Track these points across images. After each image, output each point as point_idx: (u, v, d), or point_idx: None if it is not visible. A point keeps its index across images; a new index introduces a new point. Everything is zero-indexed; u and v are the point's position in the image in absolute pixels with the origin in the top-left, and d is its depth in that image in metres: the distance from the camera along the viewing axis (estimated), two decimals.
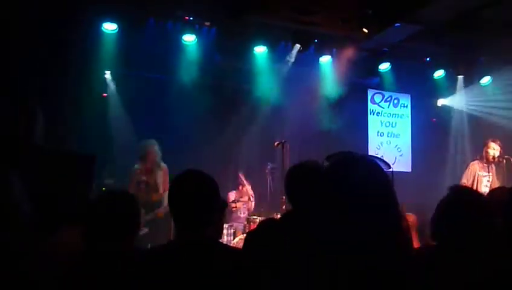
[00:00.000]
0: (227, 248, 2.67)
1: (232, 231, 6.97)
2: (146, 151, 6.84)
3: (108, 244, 2.50)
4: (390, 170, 1.53)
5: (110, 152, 7.30)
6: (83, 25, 6.96)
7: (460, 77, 9.16)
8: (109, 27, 7.24)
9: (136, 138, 7.47)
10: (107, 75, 7.92)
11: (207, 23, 7.53)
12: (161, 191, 6.85)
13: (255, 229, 2.97)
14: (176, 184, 2.48)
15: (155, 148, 6.87)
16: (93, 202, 2.66)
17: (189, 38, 7.58)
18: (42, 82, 6.65)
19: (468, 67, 8.86)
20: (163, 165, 6.95)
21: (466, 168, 7.39)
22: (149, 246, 3.83)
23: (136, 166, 6.89)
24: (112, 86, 7.97)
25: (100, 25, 7.21)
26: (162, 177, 6.89)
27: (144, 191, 6.78)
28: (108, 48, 7.36)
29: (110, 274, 2.34)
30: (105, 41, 7.31)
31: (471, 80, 9.07)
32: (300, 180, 2.87)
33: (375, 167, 1.44)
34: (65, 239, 2.42)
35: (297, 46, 8.00)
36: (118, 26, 7.23)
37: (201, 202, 2.42)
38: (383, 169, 1.45)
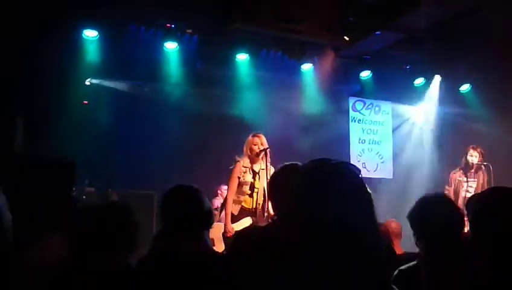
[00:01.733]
0: (220, 257, 2.69)
1: None
2: None
3: (98, 254, 2.46)
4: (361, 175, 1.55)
5: (91, 160, 7.22)
6: (63, 31, 6.89)
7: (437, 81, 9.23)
8: (90, 34, 7.18)
9: (117, 145, 7.42)
10: (88, 82, 7.84)
11: (189, 31, 7.51)
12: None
13: (241, 238, 2.94)
14: (168, 198, 2.50)
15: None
16: (84, 210, 2.63)
17: (171, 46, 7.55)
18: (22, 90, 6.58)
19: (448, 74, 8.97)
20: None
21: (449, 177, 7.51)
22: None
23: None
24: (92, 93, 7.88)
25: (81, 32, 7.15)
26: None
27: None
28: (89, 55, 7.30)
29: (96, 284, 2.31)
30: (86, 48, 7.25)
31: (451, 87, 9.18)
32: (282, 184, 2.78)
33: (348, 171, 1.44)
34: (46, 247, 2.38)
35: None
36: (99, 33, 7.18)
37: (194, 215, 2.45)
38: (356, 173, 1.46)
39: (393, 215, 5.41)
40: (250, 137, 5.94)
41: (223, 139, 8.30)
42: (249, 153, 5.86)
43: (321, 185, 1.38)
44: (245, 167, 5.83)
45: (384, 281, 1.37)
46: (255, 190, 5.79)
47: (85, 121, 7.38)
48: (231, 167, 5.93)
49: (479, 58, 8.10)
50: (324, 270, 1.31)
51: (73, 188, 5.00)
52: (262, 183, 5.76)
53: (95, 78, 7.81)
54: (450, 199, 2.89)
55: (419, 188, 8.63)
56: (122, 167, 7.70)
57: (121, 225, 2.57)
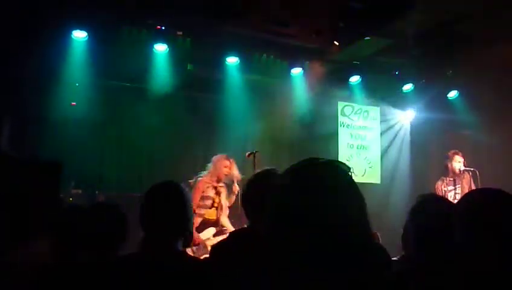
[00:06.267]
0: (195, 260, 2.65)
1: None
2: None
3: (83, 255, 2.44)
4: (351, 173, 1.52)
5: (79, 162, 7.15)
6: (51, 32, 6.84)
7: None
8: (79, 35, 7.13)
9: (105, 147, 7.37)
10: (76, 83, 7.77)
11: (179, 33, 7.48)
12: None
13: (223, 242, 2.91)
14: (150, 195, 2.45)
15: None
16: (69, 212, 2.59)
17: (160, 48, 7.52)
18: (10, 90, 6.52)
19: (436, 81, 9.01)
20: None
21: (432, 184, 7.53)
22: None
23: None
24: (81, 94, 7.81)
25: (70, 33, 7.10)
26: None
27: None
28: (78, 56, 7.24)
29: (80, 285, 2.28)
30: (74, 49, 7.20)
31: (439, 94, 9.23)
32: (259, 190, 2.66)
33: (336, 169, 1.41)
34: (33, 249, 2.35)
35: None
36: (88, 34, 7.13)
37: (174, 213, 2.40)
38: (345, 171, 1.43)
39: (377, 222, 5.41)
40: (221, 158, 6.43)
41: (213, 142, 8.28)
42: (216, 172, 6.34)
43: (311, 184, 1.36)
44: (208, 183, 6.34)
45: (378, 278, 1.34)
46: (215, 204, 6.34)
47: (73, 122, 7.32)
48: (191, 181, 6.33)
49: (467, 65, 8.16)
50: (320, 272, 1.28)
51: (60, 189, 4.95)
52: (222, 198, 6.39)
53: (84, 79, 7.74)
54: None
55: (406, 193, 8.68)
56: (110, 169, 7.66)
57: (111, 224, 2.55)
